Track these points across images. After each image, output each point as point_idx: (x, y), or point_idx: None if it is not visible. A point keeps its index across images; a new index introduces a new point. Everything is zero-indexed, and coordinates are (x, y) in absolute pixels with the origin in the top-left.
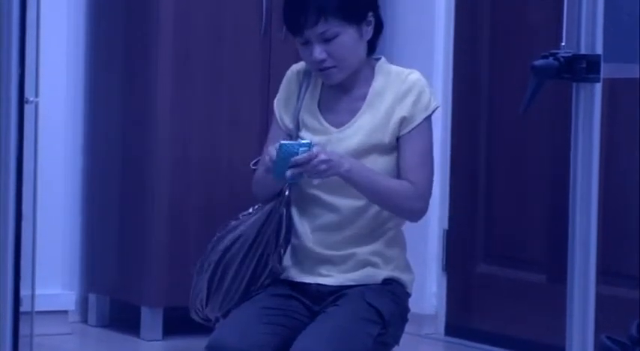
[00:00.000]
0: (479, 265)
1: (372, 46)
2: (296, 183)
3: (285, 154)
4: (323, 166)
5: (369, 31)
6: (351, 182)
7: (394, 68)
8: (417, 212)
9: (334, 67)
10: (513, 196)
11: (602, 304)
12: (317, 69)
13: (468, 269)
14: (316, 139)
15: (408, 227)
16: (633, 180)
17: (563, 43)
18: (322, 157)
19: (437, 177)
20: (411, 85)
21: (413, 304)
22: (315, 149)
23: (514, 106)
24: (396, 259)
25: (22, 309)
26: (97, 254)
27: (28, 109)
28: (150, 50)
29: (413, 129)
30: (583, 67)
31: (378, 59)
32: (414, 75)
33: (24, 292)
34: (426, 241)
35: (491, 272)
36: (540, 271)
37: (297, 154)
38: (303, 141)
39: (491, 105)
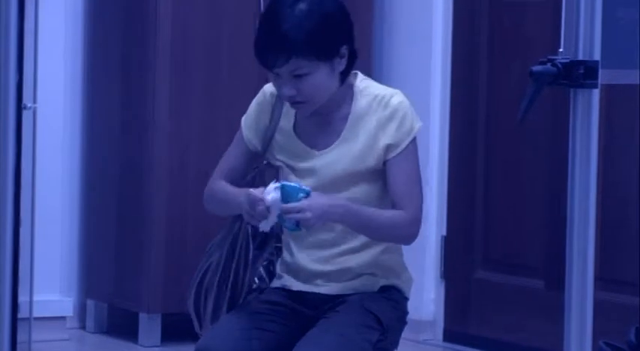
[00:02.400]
0: (477, 272)
1: (344, 77)
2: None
3: (283, 197)
4: (314, 218)
5: (342, 63)
6: (345, 225)
7: (374, 89)
8: (411, 237)
9: (304, 102)
10: (511, 202)
11: (600, 310)
12: (287, 102)
13: (466, 276)
14: (300, 165)
15: None
16: (631, 186)
17: (561, 49)
18: (308, 208)
19: (435, 184)
20: (394, 111)
21: (411, 310)
22: (309, 198)
23: (512, 113)
24: (393, 266)
25: (20, 315)
26: (95, 260)
27: (26, 115)
28: (148, 56)
29: (399, 154)
30: (581, 73)
31: (356, 74)
32: (396, 98)
33: (22, 298)
34: (424, 247)
35: (489, 278)
36: (538, 277)
37: (296, 200)
38: (304, 187)
39: (489, 112)
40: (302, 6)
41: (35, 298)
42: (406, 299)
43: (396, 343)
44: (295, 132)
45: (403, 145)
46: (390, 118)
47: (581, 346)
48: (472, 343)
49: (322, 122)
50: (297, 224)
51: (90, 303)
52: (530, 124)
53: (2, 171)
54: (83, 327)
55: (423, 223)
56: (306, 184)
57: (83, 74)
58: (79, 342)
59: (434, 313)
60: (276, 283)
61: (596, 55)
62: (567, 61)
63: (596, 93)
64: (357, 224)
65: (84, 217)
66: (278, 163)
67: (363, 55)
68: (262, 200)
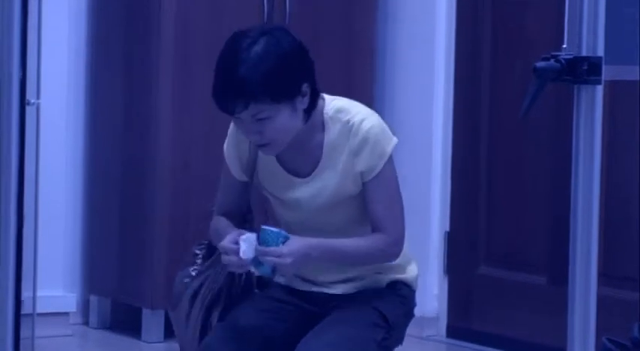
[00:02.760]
0: (480, 268)
1: (309, 113)
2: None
3: (263, 241)
4: (292, 264)
5: (304, 101)
6: (326, 263)
7: (344, 114)
8: (393, 257)
9: (269, 143)
10: (515, 198)
11: (604, 306)
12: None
13: (469, 271)
14: (285, 196)
15: (409, 229)
16: (635, 182)
17: (564, 46)
18: (288, 253)
19: (438, 180)
20: (363, 139)
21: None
22: (288, 243)
23: (515, 110)
24: (399, 262)
25: (23, 311)
26: (99, 256)
27: (30, 110)
28: (150, 53)
29: (375, 177)
30: (584, 69)
31: (323, 100)
32: (365, 124)
33: (25, 294)
34: (428, 243)
35: (492, 274)
36: (541, 273)
37: (275, 245)
38: (283, 232)
39: (491, 109)
40: (258, 48)
41: (38, 293)
42: (413, 292)
43: (401, 339)
44: (277, 159)
45: (378, 169)
46: (361, 146)
47: (584, 342)
48: (475, 338)
49: (300, 150)
50: (273, 270)
51: (93, 299)
52: (533, 121)
53: (5, 167)
54: (86, 323)
55: (427, 218)
56: (292, 215)
57: (86, 70)
58: (82, 338)
59: (437, 309)
60: (280, 280)
61: (600, 51)
62: (571, 57)
63: (599, 89)
64: (337, 261)
65: (87, 212)
66: (265, 193)
67: (366, 54)
68: (234, 251)
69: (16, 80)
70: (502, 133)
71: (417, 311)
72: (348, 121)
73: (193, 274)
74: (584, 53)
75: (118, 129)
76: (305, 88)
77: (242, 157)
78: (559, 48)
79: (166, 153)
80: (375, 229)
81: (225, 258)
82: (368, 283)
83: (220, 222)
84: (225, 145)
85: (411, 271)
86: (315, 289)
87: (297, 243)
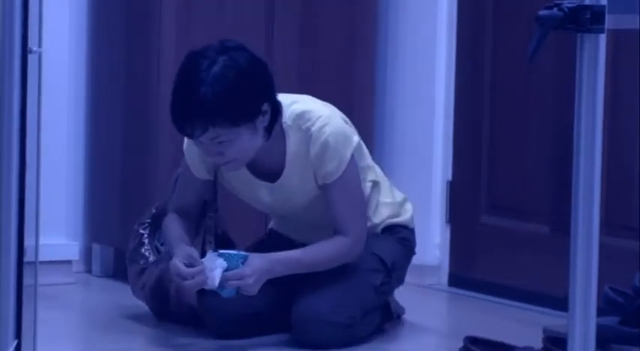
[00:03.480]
0: (482, 217)
1: (270, 130)
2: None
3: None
4: (255, 284)
5: (265, 120)
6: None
7: (303, 121)
8: (355, 257)
9: (229, 162)
10: (517, 147)
11: (606, 255)
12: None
13: (471, 220)
14: (257, 200)
15: (411, 179)
16: (637, 132)
17: None
18: (250, 273)
19: (440, 128)
20: (323, 146)
21: (416, 256)
22: (248, 263)
23: (518, 56)
24: (389, 206)
25: (25, 259)
26: (101, 204)
27: (32, 59)
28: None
29: (336, 180)
30: (587, 18)
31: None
32: (324, 131)
33: (28, 242)
34: (430, 192)
35: (494, 223)
36: (544, 222)
37: (235, 267)
38: (241, 253)
39: (495, 55)
40: (216, 70)
41: (41, 242)
42: (412, 230)
43: (402, 279)
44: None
45: (338, 174)
46: (321, 153)
47: (586, 290)
48: (477, 287)
49: (264, 157)
50: (237, 290)
51: (96, 247)
52: (537, 68)
53: (8, 115)
54: (89, 271)
55: (429, 168)
56: (271, 211)
57: (88, 16)
58: (85, 285)
59: (439, 258)
60: (275, 226)
61: (603, 0)
62: (574, 5)
63: (602, 38)
64: (301, 270)
65: (90, 161)
66: (234, 192)
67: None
68: (191, 275)
69: (17, 28)
70: (505, 81)
71: (418, 260)
72: (307, 130)
73: (147, 254)
74: (587, 1)
75: (121, 76)
76: (265, 107)
77: (206, 161)
78: None
79: (169, 101)
80: (336, 231)
81: (180, 282)
82: None
83: (170, 227)
84: (185, 144)
85: (405, 213)
86: (312, 241)
87: (257, 261)
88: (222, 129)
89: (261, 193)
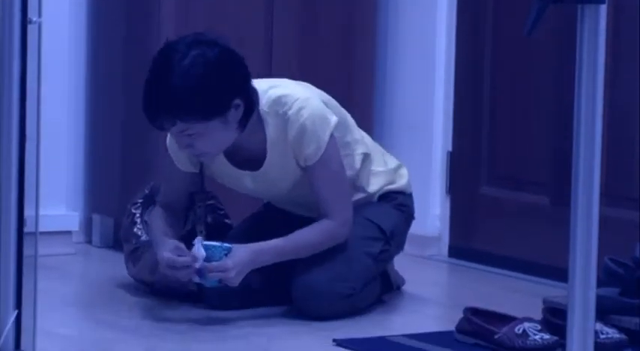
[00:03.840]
0: (482, 187)
1: (244, 123)
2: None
3: (206, 256)
4: (237, 276)
5: (237, 114)
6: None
7: (280, 106)
8: (342, 238)
9: (202, 154)
10: (517, 117)
11: (606, 226)
12: None
13: (471, 191)
14: (243, 187)
15: (411, 149)
16: (637, 102)
17: None
18: (232, 266)
19: (441, 99)
20: (301, 130)
21: (416, 226)
22: (231, 255)
23: (520, 26)
24: (382, 174)
25: (26, 229)
26: (102, 175)
27: (31, 29)
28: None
29: (316, 162)
30: None
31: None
32: (301, 114)
33: (28, 212)
34: (430, 163)
35: (494, 194)
36: (544, 193)
37: (218, 259)
38: (225, 245)
39: (496, 24)
40: (185, 64)
41: (41, 212)
42: (409, 195)
43: (401, 246)
44: (225, 155)
45: (318, 156)
46: (299, 137)
47: (586, 261)
48: (477, 258)
49: (244, 147)
50: (220, 280)
51: (96, 217)
52: (537, 39)
53: (8, 85)
54: (89, 241)
55: (430, 138)
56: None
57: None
58: (84, 256)
59: (439, 228)
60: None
61: None
62: None
63: (603, 9)
64: (287, 257)
65: (90, 131)
66: (215, 178)
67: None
68: (185, 267)
69: None
70: (506, 51)
71: (418, 230)
72: (284, 114)
73: (139, 233)
74: None
75: (120, 46)
76: (238, 101)
77: (188, 155)
78: None
79: None
80: (322, 213)
81: (173, 273)
82: (356, 202)
83: (154, 223)
84: (168, 139)
85: (400, 178)
86: (307, 214)
87: (240, 252)
88: (189, 123)
89: (246, 182)
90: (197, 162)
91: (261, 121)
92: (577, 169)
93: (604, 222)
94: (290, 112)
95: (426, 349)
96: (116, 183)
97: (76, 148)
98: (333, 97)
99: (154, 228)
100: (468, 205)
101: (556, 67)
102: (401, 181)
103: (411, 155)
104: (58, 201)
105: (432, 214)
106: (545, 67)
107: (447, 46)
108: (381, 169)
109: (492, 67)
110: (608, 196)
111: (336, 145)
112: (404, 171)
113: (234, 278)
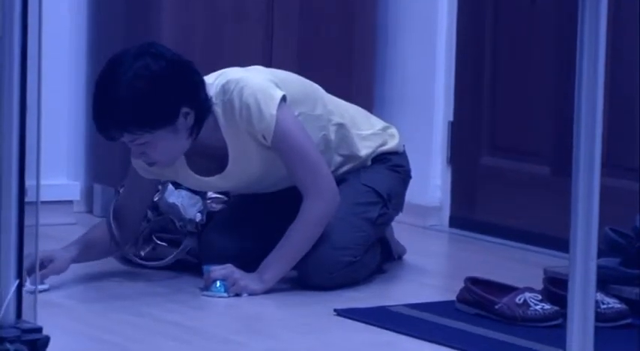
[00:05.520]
0: (484, 158)
1: (197, 129)
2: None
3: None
4: (241, 282)
5: (187, 121)
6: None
7: (223, 94)
8: (335, 206)
9: (156, 162)
10: (519, 88)
11: (607, 196)
12: None
13: (472, 161)
14: (211, 188)
15: (412, 119)
16: (638, 72)
17: None
18: (237, 274)
19: (442, 69)
20: (245, 110)
21: (417, 196)
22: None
23: None
24: (370, 137)
25: (27, 199)
26: (103, 145)
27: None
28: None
29: (273, 139)
30: None
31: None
32: (243, 95)
33: (29, 182)
34: (431, 133)
35: (495, 164)
36: (545, 163)
37: (225, 290)
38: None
39: None
40: (129, 76)
41: (42, 182)
42: (402, 154)
43: (400, 207)
44: (187, 164)
45: (271, 131)
46: (247, 116)
47: (587, 232)
48: (478, 228)
49: (204, 151)
50: (226, 289)
51: (97, 187)
52: (539, 8)
53: (8, 52)
54: (90, 211)
55: (431, 108)
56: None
57: None
58: (86, 226)
59: (440, 198)
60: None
61: None
62: None
63: None
64: (296, 259)
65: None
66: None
67: None
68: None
69: None
70: (507, 20)
71: (419, 200)
72: (230, 100)
73: None
74: None
75: (122, 11)
76: (186, 109)
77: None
78: None
79: (170, 38)
80: (301, 192)
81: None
82: (350, 168)
83: (91, 228)
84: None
85: (391, 139)
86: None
87: (251, 288)
88: (136, 134)
89: (219, 184)
90: (159, 171)
91: (214, 117)
92: (578, 138)
93: (605, 192)
94: (233, 96)
95: (427, 318)
96: (117, 153)
97: (77, 118)
98: (334, 68)
99: (89, 230)
100: (468, 175)
101: (558, 36)
102: (392, 142)
103: (412, 125)
104: (59, 171)
105: (433, 184)
106: (547, 37)
107: (449, 15)
108: (369, 132)
109: (493, 37)
110: (609, 166)
111: (290, 117)
112: (393, 131)
113: (239, 282)
